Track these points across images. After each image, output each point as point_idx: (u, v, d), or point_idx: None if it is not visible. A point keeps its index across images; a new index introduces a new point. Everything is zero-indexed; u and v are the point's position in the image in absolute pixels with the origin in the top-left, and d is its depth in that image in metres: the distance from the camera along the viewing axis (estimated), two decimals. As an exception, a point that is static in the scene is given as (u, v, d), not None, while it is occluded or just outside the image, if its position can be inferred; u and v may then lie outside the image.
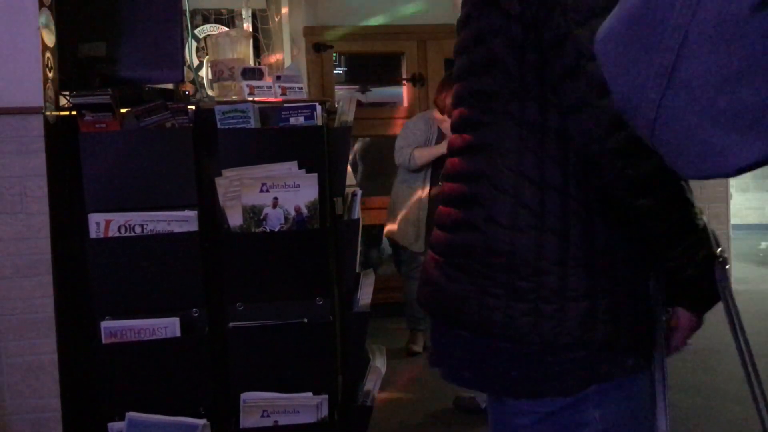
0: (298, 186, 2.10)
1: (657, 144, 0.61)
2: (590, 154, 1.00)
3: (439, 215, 1.22)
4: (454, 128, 1.21)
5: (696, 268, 1.03)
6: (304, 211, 2.12)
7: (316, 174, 2.12)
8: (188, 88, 2.75)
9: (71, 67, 2.20)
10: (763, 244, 7.28)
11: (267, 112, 2.19)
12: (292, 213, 2.12)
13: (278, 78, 2.33)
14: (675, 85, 0.56)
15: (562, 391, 1.06)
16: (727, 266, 1.04)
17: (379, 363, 2.38)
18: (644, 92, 0.58)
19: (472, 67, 1.13)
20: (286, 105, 2.20)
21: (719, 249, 1.04)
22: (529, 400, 1.09)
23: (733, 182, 6.53)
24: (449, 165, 1.20)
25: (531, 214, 1.04)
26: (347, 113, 2.30)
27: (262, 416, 2.12)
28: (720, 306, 1.04)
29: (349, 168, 2.48)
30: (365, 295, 2.33)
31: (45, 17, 2.09)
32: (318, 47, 5.11)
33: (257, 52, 4.37)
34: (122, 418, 2.02)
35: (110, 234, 2.06)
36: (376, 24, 5.26)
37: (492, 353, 1.09)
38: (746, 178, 8.28)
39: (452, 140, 1.22)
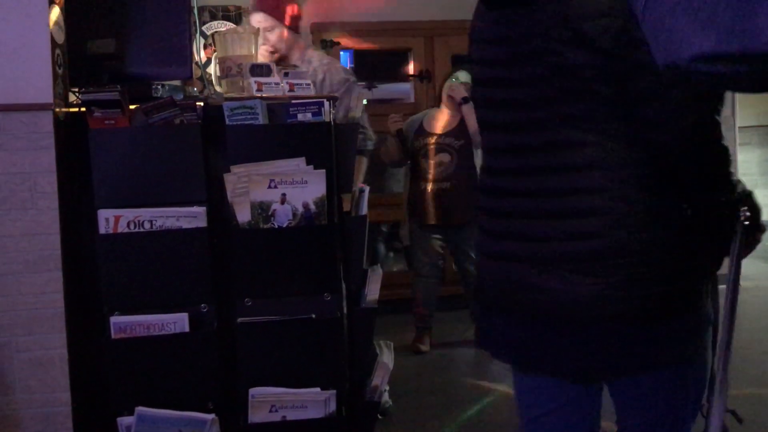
0: (306, 182, 2.11)
1: (644, 30, 0.72)
2: (671, 162, 1.24)
3: (516, 227, 1.36)
4: (514, 150, 1.36)
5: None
6: (312, 207, 2.12)
7: (323, 170, 2.13)
8: (196, 85, 2.76)
9: (80, 63, 2.21)
10: (771, 241, 7.24)
11: (275, 108, 2.20)
12: (300, 209, 2.12)
13: (286, 74, 2.34)
14: None
15: (696, 353, 1.32)
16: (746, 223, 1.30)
17: (387, 359, 2.38)
18: None
19: (557, 96, 1.28)
20: (293, 101, 2.21)
21: (743, 208, 1.30)
22: (678, 366, 1.31)
23: (741, 179, 6.49)
24: (521, 183, 1.35)
25: (646, 216, 1.24)
26: (354, 109, 2.30)
27: (270, 411, 2.13)
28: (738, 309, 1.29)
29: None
30: (372, 291, 2.34)
31: (55, 14, 2.11)
32: (325, 44, 5.12)
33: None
34: (131, 413, 2.03)
35: (119, 230, 2.07)
36: (383, 20, 5.26)
37: (635, 337, 1.29)
38: (754, 175, 8.24)
39: (515, 161, 1.36)
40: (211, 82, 3.26)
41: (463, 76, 4.24)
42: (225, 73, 2.44)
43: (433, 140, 4.19)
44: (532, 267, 1.31)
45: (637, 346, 1.29)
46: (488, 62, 1.38)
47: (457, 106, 4.17)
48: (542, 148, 1.30)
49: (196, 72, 2.71)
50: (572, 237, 1.27)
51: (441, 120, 4.25)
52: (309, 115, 2.18)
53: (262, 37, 3.04)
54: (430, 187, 4.15)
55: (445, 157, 4.15)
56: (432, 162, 4.15)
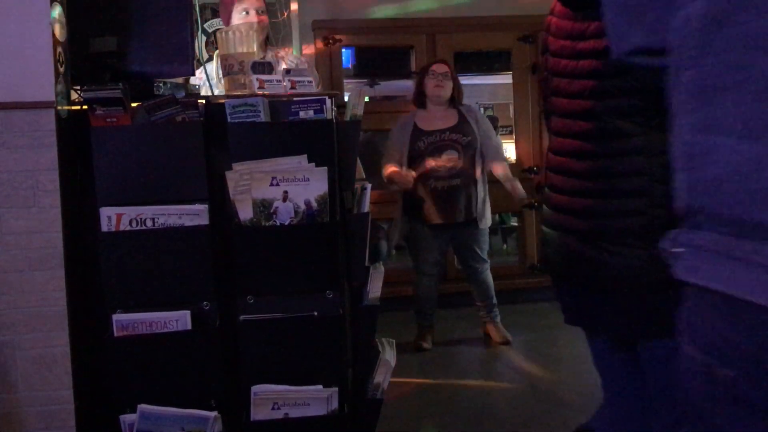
0: (308, 180, 2.11)
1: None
2: None
3: (574, 204, 1.53)
4: (573, 134, 1.53)
5: None
6: (314, 204, 2.12)
7: (326, 168, 2.12)
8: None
9: (82, 61, 2.21)
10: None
11: (277, 105, 2.20)
12: (302, 207, 2.12)
13: (288, 72, 2.33)
14: None
15: None
16: None
17: (389, 356, 2.38)
18: None
19: (611, 91, 1.44)
20: (295, 99, 2.21)
21: None
22: None
23: None
24: (577, 165, 1.52)
25: None
26: (357, 107, 2.30)
27: (273, 409, 2.13)
28: None
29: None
30: (374, 289, 2.34)
31: (57, 12, 2.11)
32: (327, 41, 5.11)
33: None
34: (134, 411, 2.04)
35: (122, 228, 2.07)
36: (385, 17, 5.26)
37: (671, 301, 1.46)
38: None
39: (573, 144, 1.54)
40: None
41: (439, 68, 4.22)
42: (227, 70, 2.44)
43: (439, 137, 4.15)
44: (585, 241, 1.49)
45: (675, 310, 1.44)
46: (558, 54, 1.56)
47: (446, 102, 4.18)
48: (596, 135, 1.48)
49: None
50: (619, 214, 1.45)
51: (436, 117, 4.22)
52: (311, 113, 2.18)
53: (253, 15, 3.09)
54: (439, 185, 4.10)
55: (453, 154, 4.12)
56: (440, 160, 4.11)
